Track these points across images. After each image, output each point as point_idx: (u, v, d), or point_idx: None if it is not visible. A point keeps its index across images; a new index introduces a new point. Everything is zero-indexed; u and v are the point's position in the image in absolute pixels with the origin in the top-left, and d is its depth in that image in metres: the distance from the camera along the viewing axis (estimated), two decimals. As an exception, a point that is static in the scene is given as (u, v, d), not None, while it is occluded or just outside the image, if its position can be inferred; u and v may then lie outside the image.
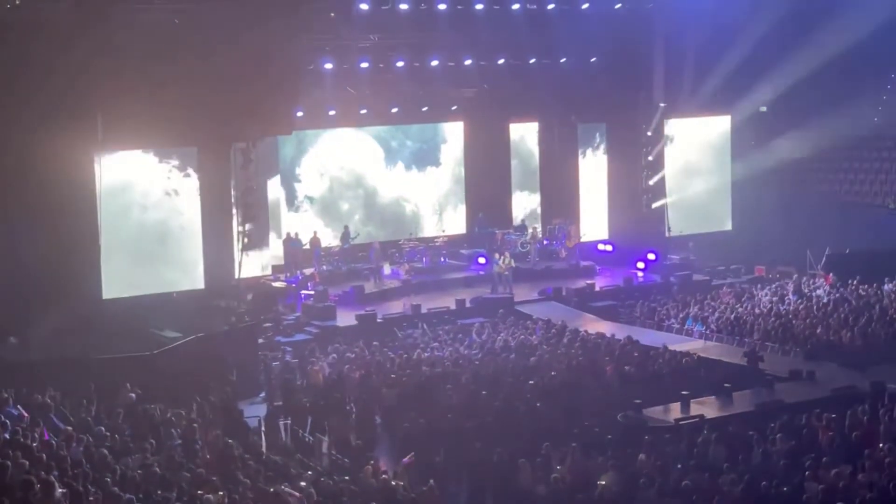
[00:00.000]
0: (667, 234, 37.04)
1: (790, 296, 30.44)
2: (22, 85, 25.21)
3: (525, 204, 38.67)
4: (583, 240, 36.12)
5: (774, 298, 30.34)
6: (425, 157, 37.78)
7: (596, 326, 28.38)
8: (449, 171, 38.13)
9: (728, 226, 39.30)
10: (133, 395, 19.59)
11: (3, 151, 25.35)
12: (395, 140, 37.07)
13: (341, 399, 21.42)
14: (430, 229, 37.35)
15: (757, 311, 28.98)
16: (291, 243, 32.64)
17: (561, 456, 17.53)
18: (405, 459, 17.85)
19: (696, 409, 21.22)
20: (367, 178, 36.98)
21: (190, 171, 29.32)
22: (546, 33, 33.07)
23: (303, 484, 15.50)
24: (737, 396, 22.31)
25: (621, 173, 37.56)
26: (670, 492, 15.96)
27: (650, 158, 37.04)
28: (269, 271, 32.27)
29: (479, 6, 31.46)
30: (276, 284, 30.90)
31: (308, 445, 20.02)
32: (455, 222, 37.78)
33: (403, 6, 30.28)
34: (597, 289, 32.89)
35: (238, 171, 29.22)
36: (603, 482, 16.33)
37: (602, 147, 38.50)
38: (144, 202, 28.96)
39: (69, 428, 16.50)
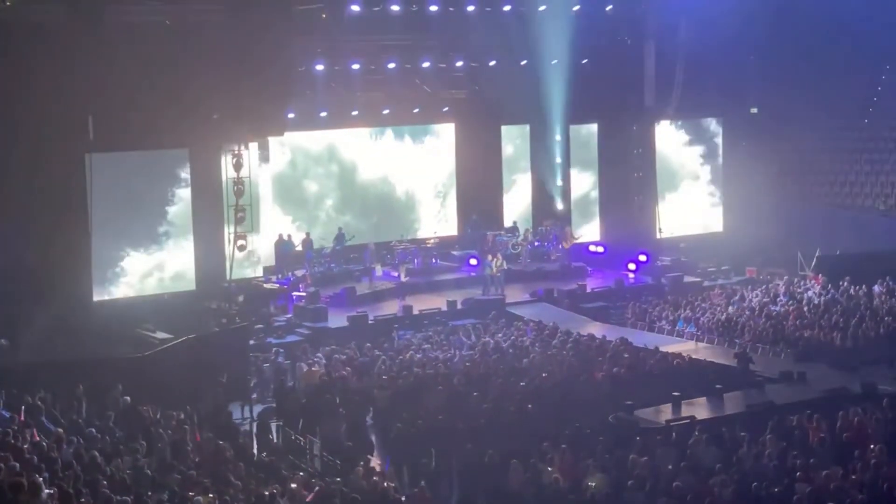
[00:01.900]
0: (658, 236, 37.12)
1: (781, 297, 30.50)
2: (12, 86, 25.17)
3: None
4: (579, 240, 36.16)
5: (765, 300, 30.39)
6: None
7: (587, 328, 28.38)
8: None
9: (719, 227, 39.37)
10: (126, 397, 19.56)
11: (-6, 152, 25.35)
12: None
13: (333, 400, 21.41)
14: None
15: (748, 312, 29.03)
16: (283, 245, 32.59)
17: (552, 457, 17.54)
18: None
19: (687, 410, 21.25)
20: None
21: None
22: (537, 35, 33.10)
23: (294, 486, 15.50)
24: (728, 398, 22.34)
25: (612, 175, 37.65)
26: (661, 493, 15.98)
27: (640, 160, 37.19)
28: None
29: (471, 8, 31.47)
30: (268, 286, 30.86)
31: (300, 447, 20.02)
32: (447, 223, 37.45)
33: (395, 8, 30.30)
34: (588, 290, 32.91)
35: (229, 173, 29.17)
36: (593, 483, 16.35)
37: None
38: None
39: (60, 430, 16.48)
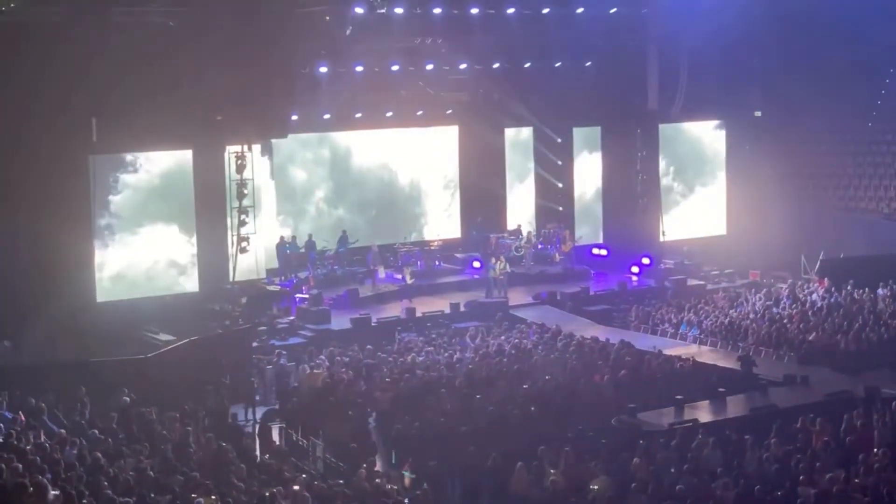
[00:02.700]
0: (661, 239, 37.10)
1: (784, 300, 30.46)
2: (16, 87, 25.22)
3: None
4: (578, 242, 36.15)
5: (769, 302, 30.35)
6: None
7: (590, 330, 28.33)
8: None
9: (722, 230, 39.34)
10: (127, 398, 19.56)
11: (-3, 154, 25.40)
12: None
13: (336, 402, 21.40)
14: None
15: (751, 315, 28.99)
16: (285, 247, 32.56)
17: (555, 460, 17.53)
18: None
19: (690, 413, 21.21)
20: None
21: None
22: (541, 38, 33.12)
23: (296, 488, 15.49)
24: (731, 401, 22.30)
25: (616, 177, 37.64)
26: (664, 496, 15.95)
27: (643, 163, 37.18)
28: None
29: (475, 10, 31.48)
30: (271, 288, 30.86)
31: (302, 449, 20.02)
32: (452, 218, 37.15)
33: (398, 10, 30.29)
34: (591, 293, 32.88)
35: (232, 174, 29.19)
36: (596, 486, 16.33)
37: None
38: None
39: (63, 431, 16.49)
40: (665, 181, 38.64)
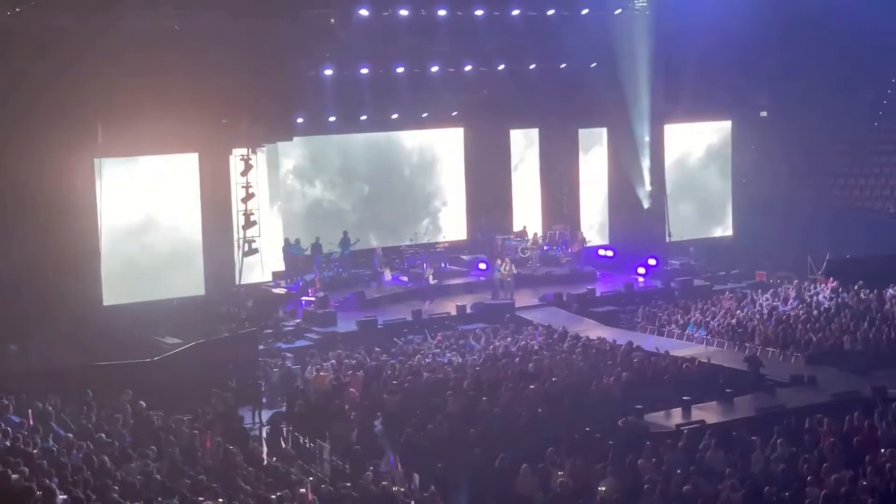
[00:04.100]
0: (667, 240, 37.06)
1: (791, 300, 30.40)
2: (22, 92, 25.26)
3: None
4: (587, 244, 36.10)
5: (776, 303, 30.30)
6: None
7: (597, 332, 28.32)
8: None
9: (729, 231, 39.31)
10: (138, 402, 19.57)
11: (3, 158, 25.40)
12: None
13: (342, 405, 21.40)
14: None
15: (758, 316, 28.95)
16: (291, 249, 32.57)
17: (562, 462, 17.51)
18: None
19: (697, 414, 21.16)
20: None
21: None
22: (546, 39, 33.12)
23: (303, 491, 15.49)
24: (738, 402, 22.25)
25: (621, 178, 37.60)
26: (671, 497, 15.94)
27: (649, 163, 37.16)
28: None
29: (479, 12, 31.49)
30: (277, 290, 30.88)
31: (309, 452, 20.01)
32: (456, 228, 37.32)
33: (403, 12, 30.30)
34: (597, 294, 32.86)
35: (238, 177, 29.22)
36: (603, 488, 16.32)
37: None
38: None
39: (70, 435, 16.51)
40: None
